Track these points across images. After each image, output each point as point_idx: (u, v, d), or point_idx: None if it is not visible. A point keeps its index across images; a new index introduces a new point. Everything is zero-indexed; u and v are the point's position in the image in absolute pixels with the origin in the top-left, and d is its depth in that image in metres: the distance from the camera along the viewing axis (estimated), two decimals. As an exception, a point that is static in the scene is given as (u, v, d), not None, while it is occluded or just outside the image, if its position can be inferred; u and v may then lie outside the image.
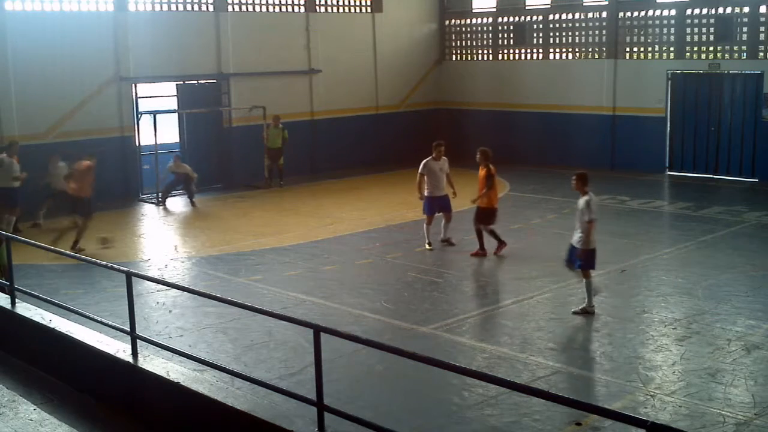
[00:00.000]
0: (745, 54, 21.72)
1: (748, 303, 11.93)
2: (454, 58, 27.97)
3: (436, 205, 15.46)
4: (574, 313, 11.50)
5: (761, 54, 21.37)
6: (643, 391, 9.00)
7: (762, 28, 21.35)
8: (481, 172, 14.66)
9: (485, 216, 14.63)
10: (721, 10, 21.94)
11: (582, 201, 11.45)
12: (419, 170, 15.43)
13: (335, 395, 7.58)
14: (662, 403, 8.69)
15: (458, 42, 27.82)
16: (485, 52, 27.10)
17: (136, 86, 21.56)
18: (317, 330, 5.90)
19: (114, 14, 20.87)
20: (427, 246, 15.38)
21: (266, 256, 15.33)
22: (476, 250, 14.68)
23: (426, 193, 15.41)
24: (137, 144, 21.38)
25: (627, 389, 9.09)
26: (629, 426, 4.69)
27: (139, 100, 21.74)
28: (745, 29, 21.69)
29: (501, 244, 14.71)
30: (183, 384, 6.56)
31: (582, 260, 11.51)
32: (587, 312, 11.48)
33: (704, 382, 9.19)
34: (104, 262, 8.67)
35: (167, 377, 6.70)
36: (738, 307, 11.71)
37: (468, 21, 27.38)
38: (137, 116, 21.46)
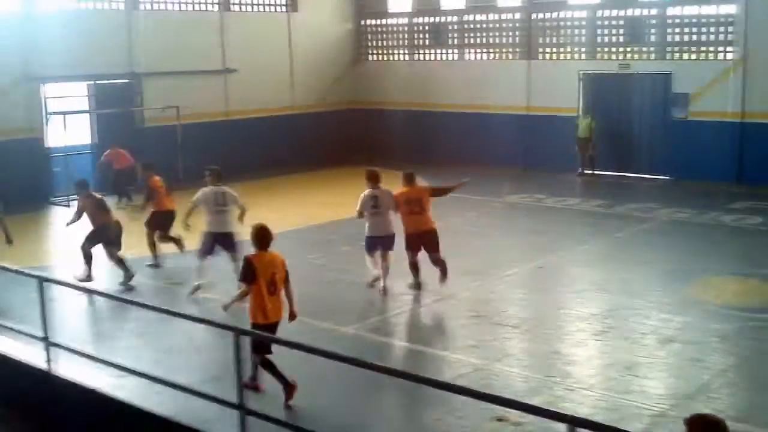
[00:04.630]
0: (654, 55, 22.30)
1: (661, 297, 12.24)
2: (371, 58, 28.00)
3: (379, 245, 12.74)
4: None
5: (669, 55, 21.97)
6: (563, 385, 9.14)
7: (669, 30, 21.94)
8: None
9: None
10: (630, 12, 22.48)
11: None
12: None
13: (260, 399, 7.48)
14: (581, 396, 8.84)
15: (375, 42, 27.86)
16: (402, 52, 27.23)
17: (44, 86, 20.96)
18: (237, 333, 5.86)
19: (21, 12, 20.23)
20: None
21: (178, 260, 15.02)
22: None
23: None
24: (47, 146, 20.78)
25: (547, 384, 9.22)
26: (550, 420, 4.76)
27: (48, 100, 21.14)
28: (653, 31, 22.26)
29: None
30: (100, 391, 6.41)
31: None
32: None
33: (621, 375, 9.39)
34: (15, 268, 8.38)
35: (83, 384, 6.53)
36: (651, 302, 12.01)
37: (384, 21, 27.44)
38: (46, 117, 20.86)
